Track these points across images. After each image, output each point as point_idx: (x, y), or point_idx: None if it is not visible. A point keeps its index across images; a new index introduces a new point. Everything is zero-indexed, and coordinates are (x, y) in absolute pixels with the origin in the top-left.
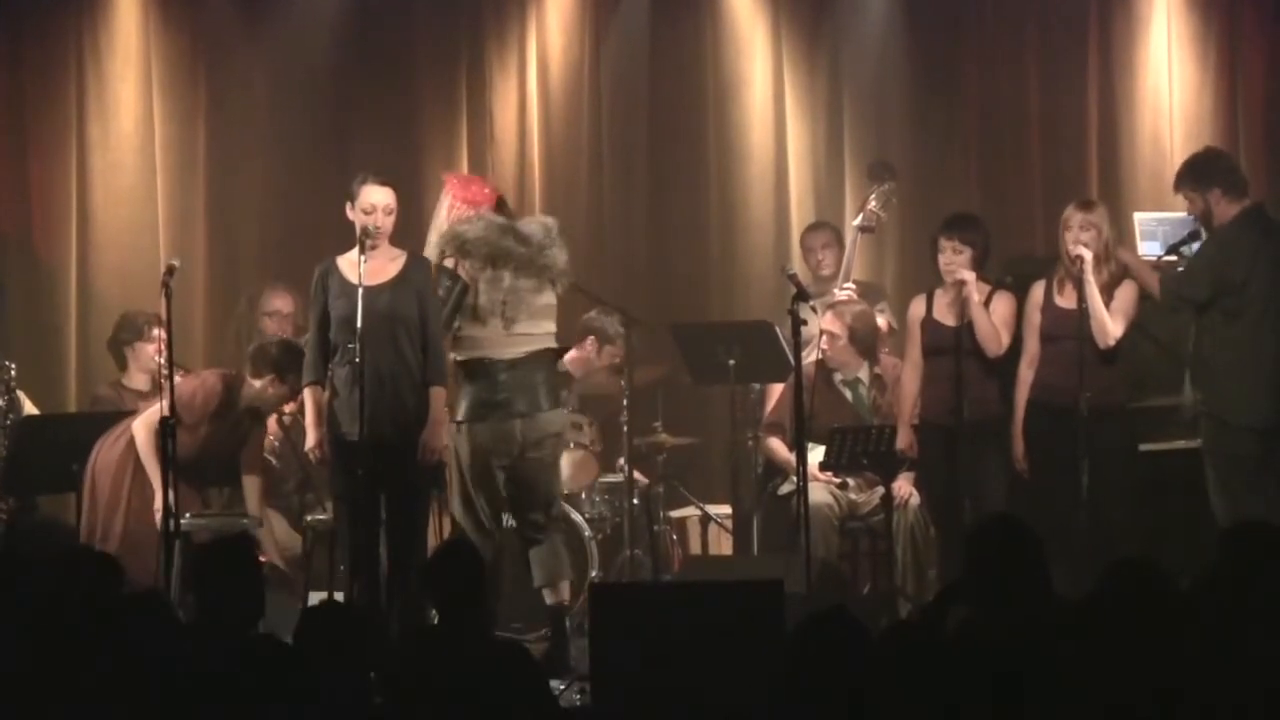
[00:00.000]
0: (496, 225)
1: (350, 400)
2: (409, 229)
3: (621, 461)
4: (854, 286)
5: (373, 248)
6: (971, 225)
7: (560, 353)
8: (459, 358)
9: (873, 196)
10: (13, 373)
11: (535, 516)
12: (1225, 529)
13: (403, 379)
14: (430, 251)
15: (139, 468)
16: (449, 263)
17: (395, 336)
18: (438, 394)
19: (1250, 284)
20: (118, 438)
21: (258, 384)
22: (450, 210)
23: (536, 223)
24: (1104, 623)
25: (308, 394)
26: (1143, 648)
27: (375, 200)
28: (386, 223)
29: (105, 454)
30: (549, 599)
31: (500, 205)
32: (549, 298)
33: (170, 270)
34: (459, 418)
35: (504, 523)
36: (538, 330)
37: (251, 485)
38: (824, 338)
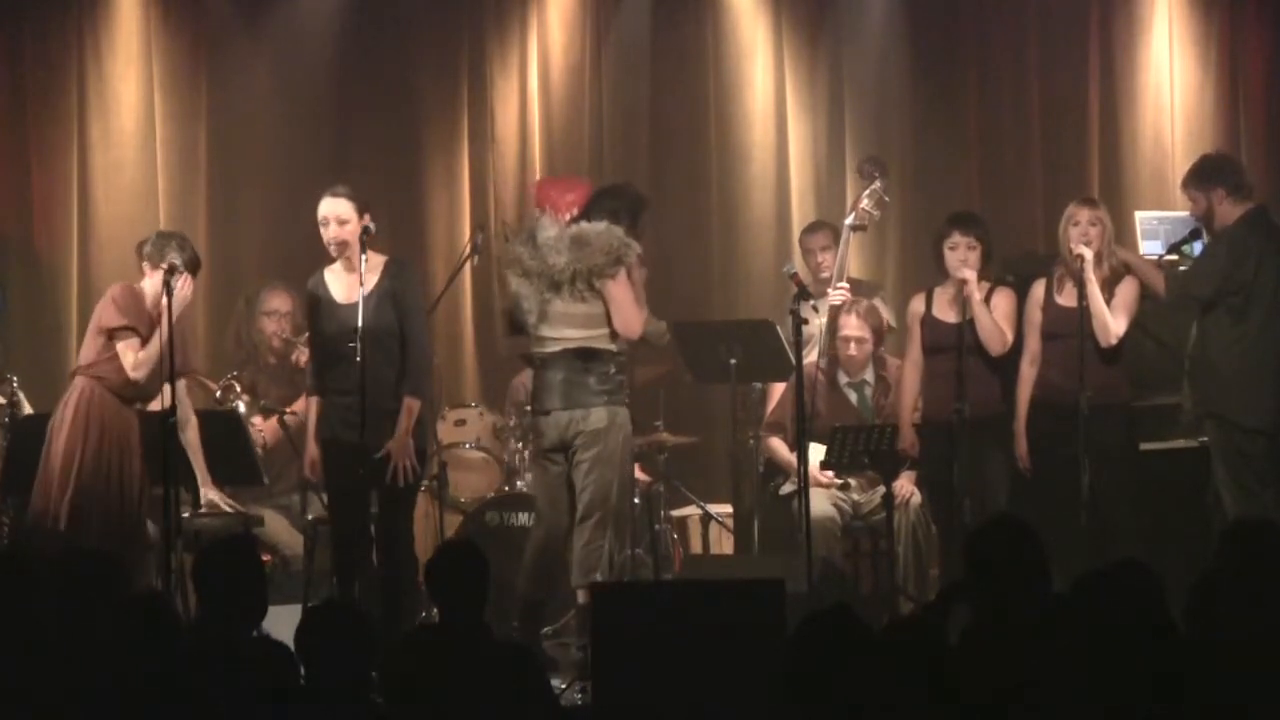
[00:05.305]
0: (523, 233)
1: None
2: (410, 229)
3: None
4: (847, 286)
5: (345, 258)
6: (980, 222)
7: (590, 354)
8: None
9: (864, 195)
10: (15, 383)
11: (578, 513)
12: (1227, 527)
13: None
14: None
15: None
16: None
17: (370, 351)
18: (408, 405)
19: (1256, 284)
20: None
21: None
22: None
23: (566, 229)
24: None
25: (309, 406)
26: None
27: (324, 211)
28: (340, 233)
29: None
30: (580, 599)
31: (600, 203)
32: (566, 304)
33: (171, 269)
34: None
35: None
36: (553, 334)
37: (181, 388)
38: (851, 344)
